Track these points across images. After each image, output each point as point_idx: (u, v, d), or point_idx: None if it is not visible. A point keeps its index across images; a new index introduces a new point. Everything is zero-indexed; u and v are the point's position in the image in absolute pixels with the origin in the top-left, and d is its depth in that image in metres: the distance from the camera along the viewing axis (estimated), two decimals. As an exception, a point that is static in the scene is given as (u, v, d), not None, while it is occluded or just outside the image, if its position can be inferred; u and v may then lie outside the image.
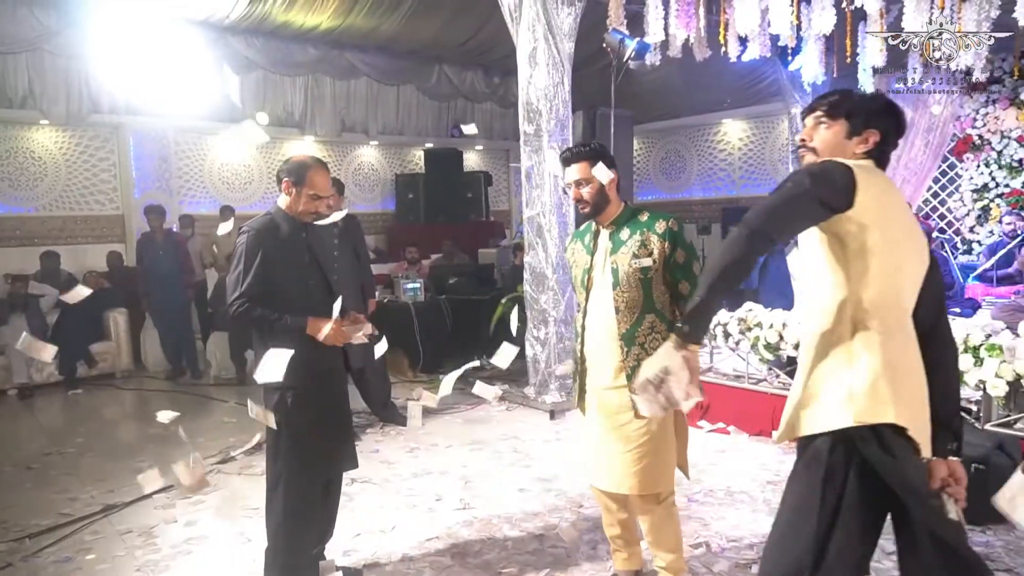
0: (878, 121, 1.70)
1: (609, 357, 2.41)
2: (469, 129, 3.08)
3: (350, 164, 10.56)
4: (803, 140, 1.76)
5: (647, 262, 2.35)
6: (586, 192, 2.41)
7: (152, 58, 7.71)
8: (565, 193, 2.52)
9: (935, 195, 8.17)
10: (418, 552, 3.15)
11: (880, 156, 1.72)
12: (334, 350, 2.68)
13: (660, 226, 2.38)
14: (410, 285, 6.60)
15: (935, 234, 7.15)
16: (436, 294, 6.94)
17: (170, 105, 8.08)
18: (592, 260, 2.47)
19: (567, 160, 2.47)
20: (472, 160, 11.70)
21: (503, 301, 6.40)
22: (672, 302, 2.43)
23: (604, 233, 2.47)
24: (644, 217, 2.43)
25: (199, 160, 9.10)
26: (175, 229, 7.70)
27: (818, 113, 1.73)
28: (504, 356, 2.44)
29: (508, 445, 4.62)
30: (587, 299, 2.47)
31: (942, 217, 8.14)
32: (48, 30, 7.30)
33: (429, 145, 10.90)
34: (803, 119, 1.80)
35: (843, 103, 1.72)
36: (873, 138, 1.69)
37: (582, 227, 2.63)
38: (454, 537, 3.29)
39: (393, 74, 10.03)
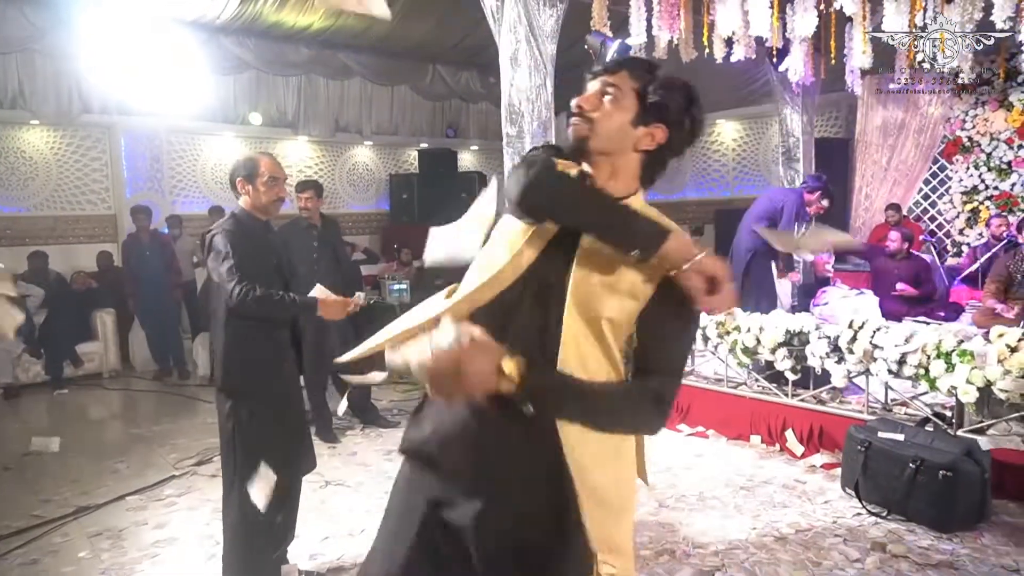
0: (674, 116, 1.33)
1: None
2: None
3: (344, 164, 10.56)
4: (580, 107, 1.31)
5: None
6: None
7: (143, 58, 7.71)
8: None
9: (925, 197, 8.12)
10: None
11: (651, 166, 1.38)
12: (288, 349, 2.72)
13: None
14: (396, 286, 6.61)
15: (922, 236, 7.11)
16: (423, 294, 6.92)
17: (162, 105, 8.08)
18: None
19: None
20: (467, 160, 11.69)
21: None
22: None
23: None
24: None
25: (192, 160, 9.11)
26: (165, 230, 7.72)
27: (608, 79, 1.31)
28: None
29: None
30: None
31: (932, 219, 8.10)
32: (38, 30, 7.31)
33: (424, 145, 10.90)
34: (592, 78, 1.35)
35: (650, 76, 1.32)
36: (660, 136, 1.33)
37: None
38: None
39: (387, 74, 10.03)
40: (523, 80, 5.18)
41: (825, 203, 5.56)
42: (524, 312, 1.28)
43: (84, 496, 3.90)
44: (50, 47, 7.42)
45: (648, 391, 1.26)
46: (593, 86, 1.32)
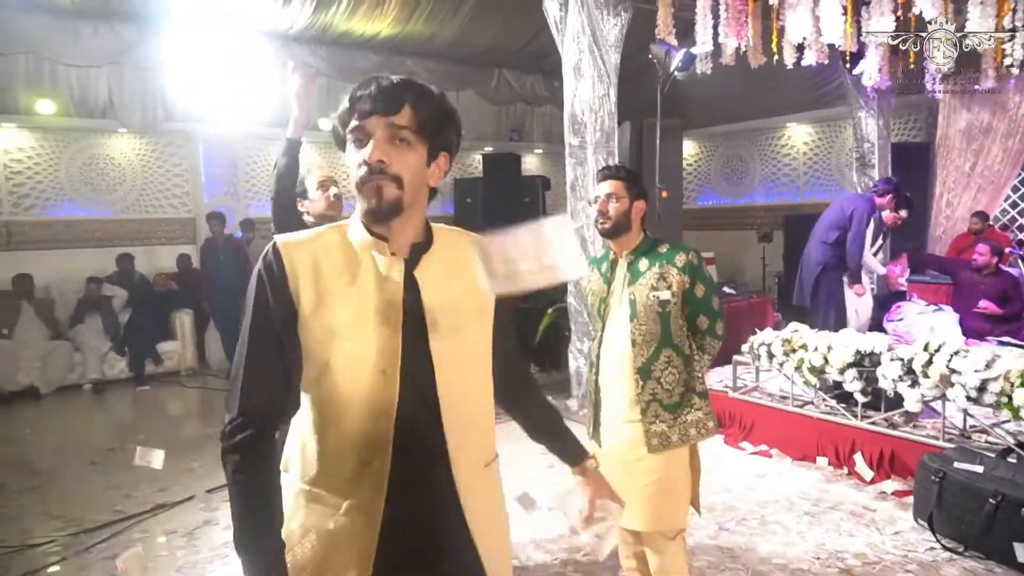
0: (454, 139, 1.29)
1: (624, 390, 2.38)
2: None
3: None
4: (380, 161, 1.17)
5: (666, 295, 2.31)
6: (612, 207, 2.39)
7: (221, 68, 8.07)
8: (590, 205, 2.48)
9: (1013, 205, 7.68)
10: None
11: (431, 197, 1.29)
12: None
13: (680, 259, 2.34)
14: (458, 293, 6.67)
15: (1008, 249, 6.72)
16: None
17: (238, 112, 8.43)
18: (609, 289, 2.45)
19: (604, 176, 2.45)
20: (531, 164, 11.71)
21: (549, 311, 6.40)
22: (690, 336, 2.40)
23: (622, 263, 2.44)
24: (663, 249, 2.39)
25: (265, 165, 9.44)
26: (239, 234, 8.03)
27: (392, 119, 1.17)
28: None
29: (544, 461, 4.61)
30: (603, 329, 2.45)
31: (1021, 228, 7.64)
32: (127, 43, 7.73)
33: (488, 149, 10.98)
34: (368, 116, 1.18)
35: (430, 103, 1.21)
36: (444, 166, 1.28)
37: (599, 255, 2.61)
38: (477, 554, 3.32)
39: (453, 79, 10.16)
40: (586, 90, 5.16)
41: (903, 213, 5.32)
42: None
43: (161, 493, 4.11)
44: (137, 59, 7.84)
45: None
46: (377, 130, 1.17)
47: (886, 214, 5.19)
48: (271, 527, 1.21)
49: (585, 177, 5.27)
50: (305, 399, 1.27)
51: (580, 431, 5.38)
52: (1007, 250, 6.56)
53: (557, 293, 6.75)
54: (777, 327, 5.46)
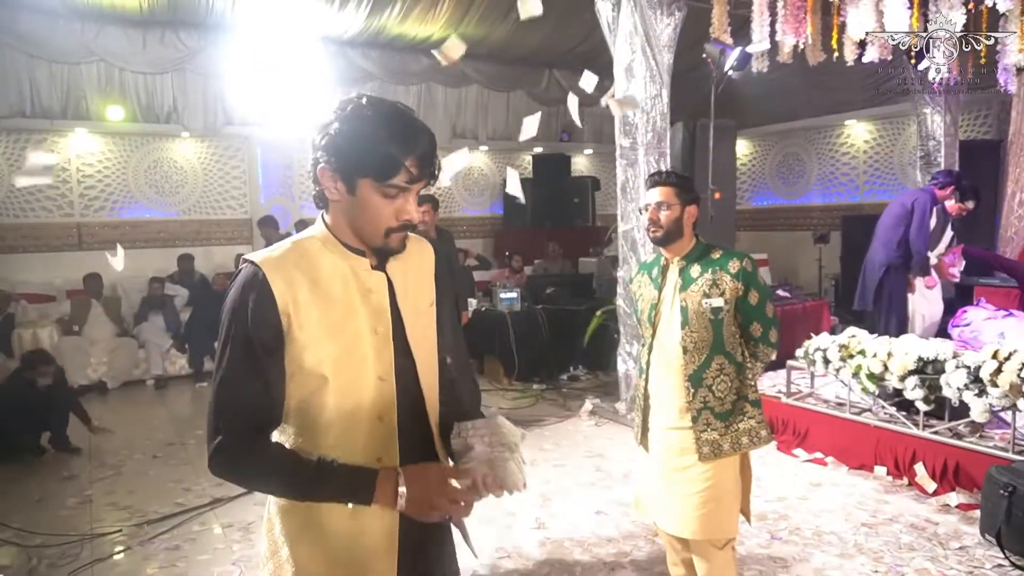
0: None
1: (674, 397, 2.35)
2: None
3: (461, 169, 10.81)
4: (422, 221, 1.33)
5: (718, 302, 2.27)
6: (663, 215, 2.36)
7: (279, 72, 8.28)
8: (641, 213, 2.44)
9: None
10: (486, 571, 3.22)
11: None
12: None
13: (733, 265, 2.29)
14: (506, 294, 6.70)
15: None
16: (533, 303, 6.99)
17: (293, 116, 8.63)
18: (660, 295, 2.41)
19: (654, 182, 2.42)
20: (580, 164, 11.67)
21: (599, 313, 6.37)
22: (742, 343, 2.35)
23: (673, 268, 2.41)
24: (716, 255, 2.34)
25: (319, 167, 9.64)
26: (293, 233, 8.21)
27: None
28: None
29: (592, 463, 4.60)
30: (653, 335, 2.42)
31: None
32: (190, 51, 8.02)
33: (538, 150, 10.98)
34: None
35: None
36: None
37: (650, 259, 2.58)
38: (524, 557, 3.33)
39: (503, 80, 10.21)
40: (638, 91, 5.11)
41: (969, 204, 5.11)
42: None
43: (219, 487, 4.24)
44: (200, 66, 8.13)
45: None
46: (415, 192, 1.31)
47: (950, 204, 4.99)
48: (313, 466, 1.24)
49: (636, 179, 5.22)
50: (296, 414, 1.30)
51: (629, 435, 5.33)
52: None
53: (607, 295, 6.71)
54: (833, 332, 5.31)
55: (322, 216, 1.35)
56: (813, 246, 9.19)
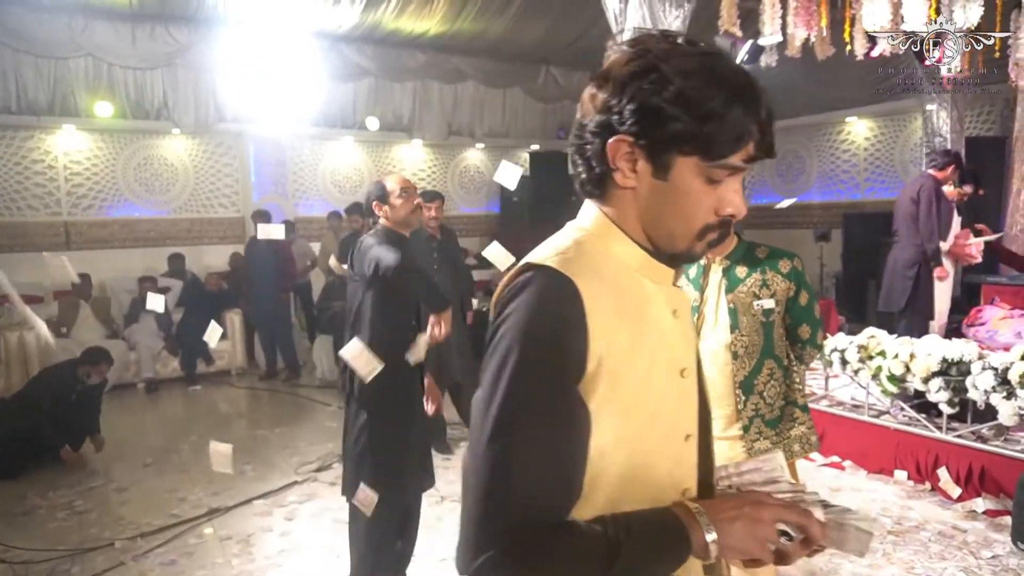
0: None
1: (723, 406, 2.20)
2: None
3: (456, 167, 10.67)
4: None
5: (770, 303, 2.14)
6: None
7: (272, 68, 8.09)
8: None
9: (1100, 202, 7.19)
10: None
11: None
12: (411, 368, 2.68)
13: (784, 265, 2.18)
14: (509, 294, 6.53)
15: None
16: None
17: (287, 112, 8.44)
18: (702, 297, 2.27)
19: None
20: (577, 162, 11.52)
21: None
22: (787, 346, 2.23)
23: (715, 268, 2.26)
24: (763, 254, 2.21)
25: (313, 165, 9.46)
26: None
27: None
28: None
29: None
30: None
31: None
32: (181, 45, 7.81)
33: (535, 147, 10.83)
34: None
35: None
36: None
37: None
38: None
39: (499, 77, 10.04)
40: (646, 84, 4.96)
41: (968, 189, 5.02)
42: None
43: (216, 497, 4.07)
44: (190, 61, 7.91)
45: None
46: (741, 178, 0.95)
47: (948, 190, 4.89)
48: (603, 535, 0.82)
49: (644, 175, 5.08)
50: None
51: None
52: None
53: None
54: (840, 331, 5.18)
55: (597, 208, 0.96)
56: (814, 244, 9.09)
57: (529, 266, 0.90)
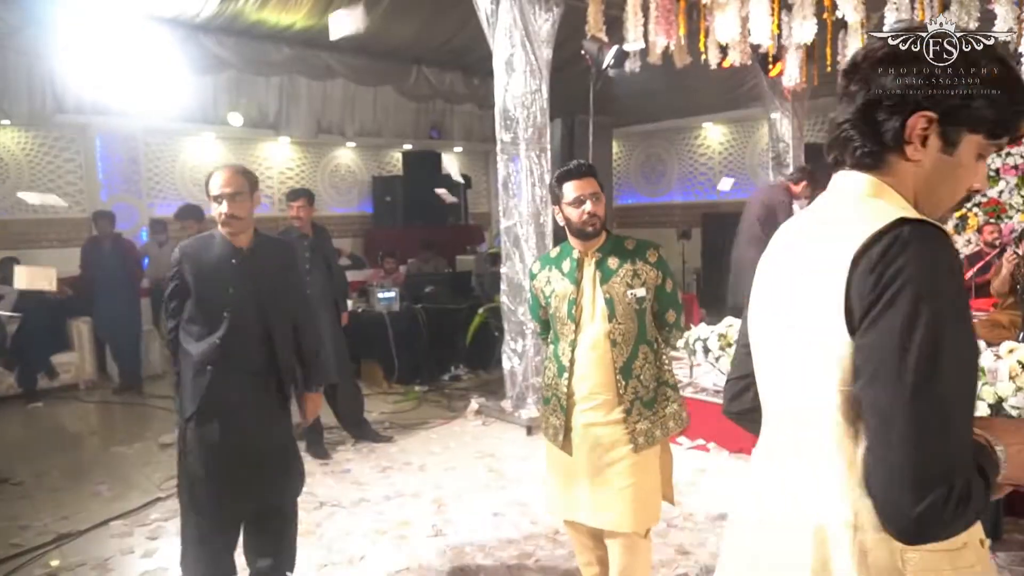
0: None
1: (605, 392, 2.29)
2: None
3: (327, 166, 10.37)
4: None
5: (641, 292, 2.28)
6: (600, 207, 2.29)
7: (120, 56, 7.46)
8: (566, 206, 2.34)
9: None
10: (386, 587, 3.02)
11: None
12: (239, 380, 2.53)
13: (652, 255, 2.33)
14: (384, 294, 6.45)
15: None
16: (412, 303, 6.78)
17: (139, 105, 7.83)
18: (579, 290, 2.34)
19: (580, 174, 2.32)
20: (451, 162, 11.55)
21: (480, 311, 6.28)
22: (657, 330, 2.38)
23: (588, 261, 2.34)
24: (631, 245, 2.34)
25: (170, 162, 8.87)
26: (143, 236, 7.48)
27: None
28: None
29: (484, 464, 4.49)
30: (576, 331, 2.33)
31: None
32: (10, 27, 7.03)
33: (407, 147, 10.74)
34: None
35: None
36: None
37: (552, 253, 2.50)
38: (425, 568, 3.16)
39: (370, 75, 9.85)
40: (518, 85, 5.07)
41: (807, 189, 5.57)
42: None
43: (65, 522, 3.71)
44: (23, 44, 7.14)
45: None
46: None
47: (802, 203, 5.39)
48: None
49: (518, 174, 5.18)
50: None
51: (517, 434, 5.25)
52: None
53: (489, 292, 6.64)
54: (701, 322, 5.55)
55: (870, 177, 1.05)
56: (677, 242, 9.65)
57: (903, 220, 0.94)
